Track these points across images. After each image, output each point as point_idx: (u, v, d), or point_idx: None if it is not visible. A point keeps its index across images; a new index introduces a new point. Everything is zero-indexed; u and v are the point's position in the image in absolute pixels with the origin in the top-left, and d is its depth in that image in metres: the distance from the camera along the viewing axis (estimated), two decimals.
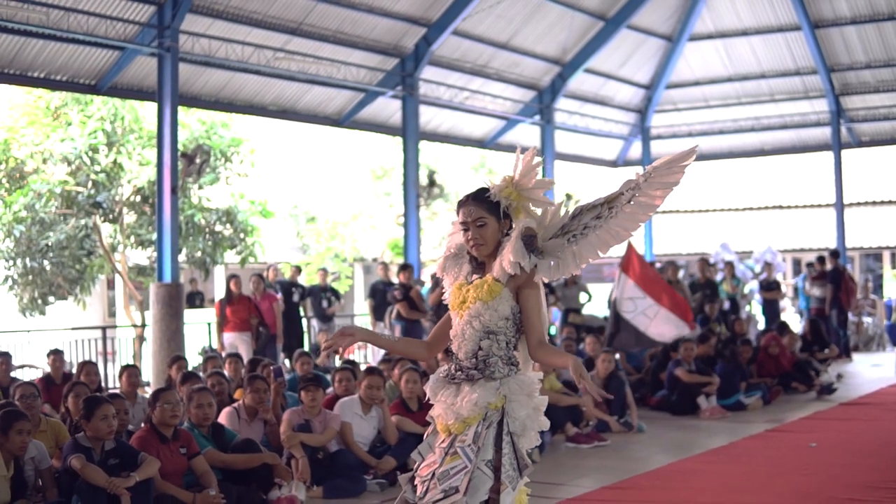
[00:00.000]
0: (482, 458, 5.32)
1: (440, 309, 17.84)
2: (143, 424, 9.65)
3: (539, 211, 5.63)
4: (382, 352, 18.46)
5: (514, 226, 5.53)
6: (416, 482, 5.49)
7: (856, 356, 24.49)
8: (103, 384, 18.04)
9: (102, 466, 8.31)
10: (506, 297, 5.47)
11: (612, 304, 16.82)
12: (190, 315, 21.69)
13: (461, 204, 5.62)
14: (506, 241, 5.50)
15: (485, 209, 5.53)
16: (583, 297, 21.75)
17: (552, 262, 5.52)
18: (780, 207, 38.97)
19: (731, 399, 15.89)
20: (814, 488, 9.95)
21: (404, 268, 20.01)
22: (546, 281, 5.64)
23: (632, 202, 5.50)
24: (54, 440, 9.54)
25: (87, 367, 12.73)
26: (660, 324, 16.43)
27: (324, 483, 10.17)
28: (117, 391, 12.39)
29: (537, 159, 5.60)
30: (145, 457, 8.55)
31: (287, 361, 18.75)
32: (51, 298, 23.71)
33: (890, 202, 37.41)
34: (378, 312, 20.90)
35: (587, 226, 5.54)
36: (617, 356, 15.91)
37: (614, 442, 13.14)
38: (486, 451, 5.33)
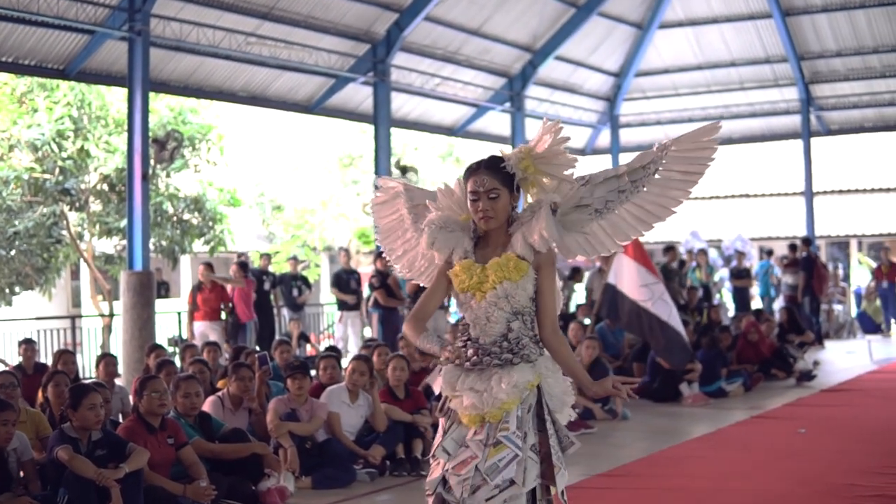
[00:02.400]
0: (528, 444, 5.08)
1: (418, 296, 17.57)
2: (128, 414, 9.39)
3: (553, 186, 5.31)
4: (365, 337, 18.46)
5: (524, 200, 5.33)
6: (451, 482, 5.11)
7: (827, 343, 24.47)
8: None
9: (90, 458, 8.03)
10: (531, 275, 5.20)
11: (612, 289, 16.22)
12: (162, 305, 21.46)
13: (472, 171, 5.28)
14: (520, 216, 5.27)
15: (498, 180, 5.21)
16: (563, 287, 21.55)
17: (580, 239, 5.33)
18: (748, 196, 38.92)
19: (713, 386, 15.80)
20: (812, 474, 9.82)
21: (381, 255, 19.71)
22: (579, 259, 5.56)
23: (657, 176, 5.30)
24: (34, 431, 9.23)
25: (65, 355, 12.42)
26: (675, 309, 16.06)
27: (313, 473, 9.94)
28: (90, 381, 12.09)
29: (563, 132, 5.27)
30: (134, 447, 8.28)
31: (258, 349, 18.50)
32: (17, 288, 23.35)
33: (856, 191, 37.42)
34: (344, 304, 20.54)
35: (609, 200, 5.33)
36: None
37: (600, 429, 12.97)
38: (531, 435, 5.10)
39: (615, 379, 5.28)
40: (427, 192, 5.76)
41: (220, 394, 10.59)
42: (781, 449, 11.30)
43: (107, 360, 12.32)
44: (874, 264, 28.95)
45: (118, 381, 13.22)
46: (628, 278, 15.71)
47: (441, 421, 5.35)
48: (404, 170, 27.90)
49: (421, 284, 5.80)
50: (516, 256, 5.19)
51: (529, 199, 5.39)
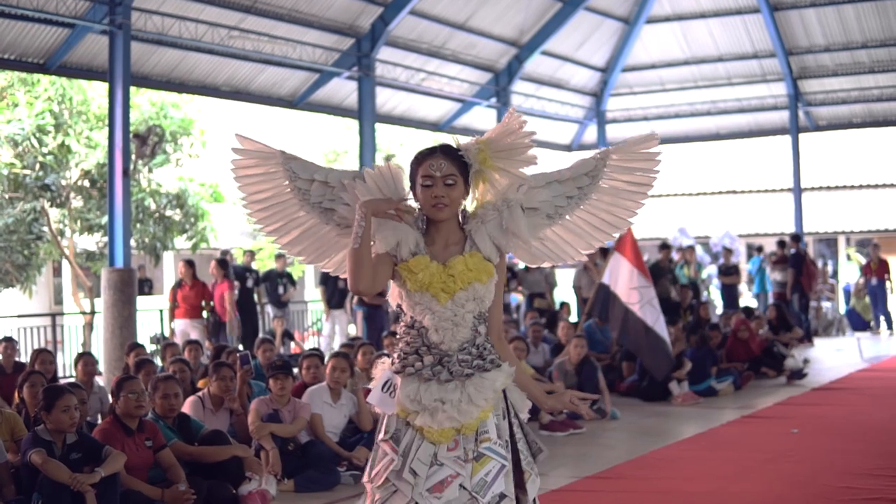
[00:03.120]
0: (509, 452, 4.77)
1: None
2: (104, 416, 9.11)
3: (504, 184, 4.97)
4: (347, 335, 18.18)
5: (473, 197, 4.97)
6: None
7: (817, 341, 24.24)
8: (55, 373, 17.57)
9: (64, 461, 7.77)
10: (494, 278, 4.87)
11: (605, 290, 15.98)
12: (139, 302, 21.15)
13: (426, 155, 4.84)
14: (479, 214, 4.90)
15: (456, 168, 4.80)
16: (544, 282, 21.34)
17: (541, 245, 5.13)
18: (736, 192, 38.73)
19: (703, 385, 15.56)
20: (806, 476, 9.60)
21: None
22: (533, 266, 5.24)
23: (603, 184, 5.15)
24: (9, 433, 8.95)
25: (42, 355, 12.07)
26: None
27: (295, 476, 9.67)
28: (70, 380, 11.81)
29: (524, 121, 4.92)
30: (110, 450, 8.01)
31: (241, 348, 18.24)
32: None
33: (845, 187, 37.26)
34: (332, 301, 20.32)
35: (558, 205, 5.10)
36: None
37: (589, 429, 12.71)
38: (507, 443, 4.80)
39: (572, 393, 4.91)
40: (313, 164, 5.16)
41: (200, 394, 10.35)
42: (774, 450, 11.05)
43: (85, 359, 12.03)
44: (864, 261, 28.75)
45: (98, 381, 12.96)
46: (622, 279, 15.45)
47: (386, 445, 4.74)
48: None
49: (332, 273, 5.30)
50: (482, 256, 4.87)
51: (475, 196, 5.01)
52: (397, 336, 4.97)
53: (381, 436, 4.78)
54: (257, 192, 5.16)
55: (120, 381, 8.66)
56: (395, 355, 4.86)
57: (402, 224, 4.87)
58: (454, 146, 4.90)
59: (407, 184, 4.95)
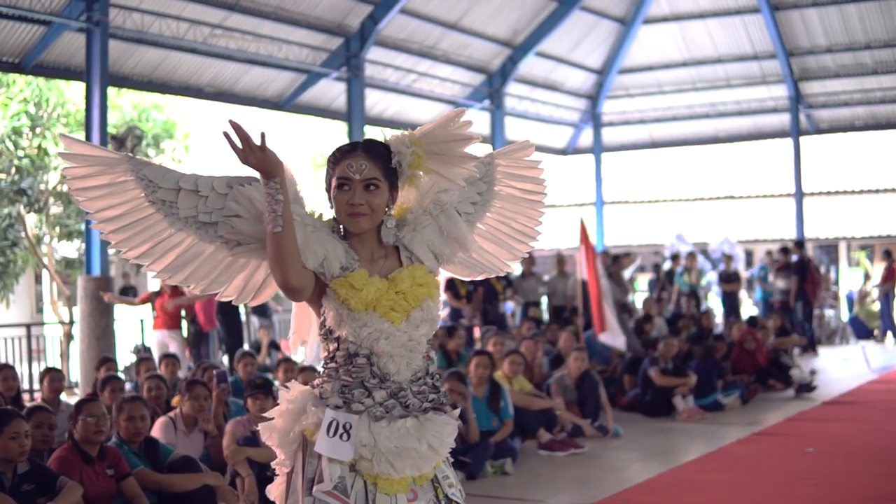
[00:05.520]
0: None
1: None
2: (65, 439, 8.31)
3: (427, 186, 4.32)
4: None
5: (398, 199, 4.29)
6: None
7: (821, 350, 23.51)
8: (29, 386, 16.81)
9: (14, 494, 7.00)
10: (440, 295, 4.24)
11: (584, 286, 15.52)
12: (122, 311, 20.40)
13: (345, 153, 4.12)
14: (404, 220, 4.24)
15: (380, 170, 4.09)
16: (541, 289, 20.65)
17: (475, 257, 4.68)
18: (735, 197, 38.00)
19: (709, 399, 14.79)
20: (828, 502, 8.84)
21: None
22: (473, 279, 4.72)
23: (498, 190, 4.73)
24: None
25: (4, 371, 11.24)
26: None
27: None
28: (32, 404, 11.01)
29: (463, 110, 4.24)
30: (65, 481, 7.23)
31: (225, 360, 17.49)
32: None
33: (847, 192, 36.51)
34: None
35: (466, 212, 4.56)
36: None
37: (590, 448, 11.96)
38: None
39: None
40: (171, 170, 4.23)
41: (172, 414, 9.56)
42: (789, 472, 10.32)
43: (51, 374, 11.17)
44: (871, 266, 28.06)
45: (67, 399, 12.18)
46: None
47: (332, 497, 3.93)
48: None
49: (235, 301, 4.37)
50: (427, 270, 4.19)
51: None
52: (325, 364, 4.17)
53: (320, 486, 3.97)
54: (106, 207, 4.14)
55: (79, 404, 7.90)
56: (325, 387, 4.10)
57: (322, 232, 4.11)
58: (378, 142, 4.18)
59: (301, 188, 4.24)
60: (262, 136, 3.82)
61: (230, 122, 3.82)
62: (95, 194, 4.11)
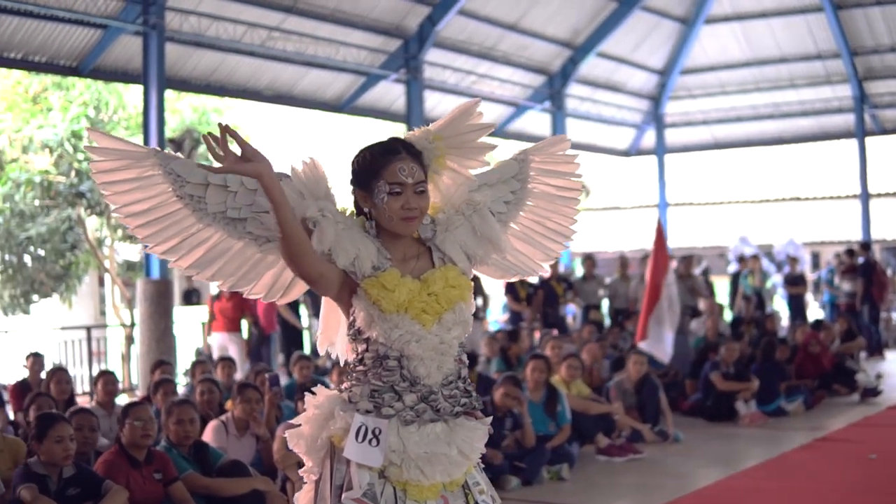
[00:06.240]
0: None
1: None
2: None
3: (448, 184, 4.25)
4: None
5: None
6: None
7: (888, 354, 23.10)
8: (90, 389, 16.84)
9: (60, 498, 6.94)
10: (472, 298, 4.12)
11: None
12: (185, 313, 20.45)
13: (389, 154, 4.00)
14: (436, 220, 4.14)
15: (424, 172, 4.02)
16: (601, 291, 20.40)
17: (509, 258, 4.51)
18: (800, 199, 37.57)
19: (772, 405, 14.48)
20: None
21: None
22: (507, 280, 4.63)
23: (533, 188, 4.56)
24: (12, 461, 8.08)
25: (58, 374, 11.24)
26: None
27: None
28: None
29: (478, 101, 4.20)
30: (110, 485, 7.16)
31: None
32: (34, 297, 22.46)
33: None
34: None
35: (499, 211, 4.42)
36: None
37: (650, 453, 11.73)
38: None
39: None
40: (200, 164, 4.10)
41: (224, 417, 9.46)
42: (851, 479, 10.08)
43: (105, 377, 11.10)
44: None
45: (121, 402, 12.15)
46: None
47: (358, 503, 3.83)
48: None
49: (265, 300, 4.29)
50: (460, 271, 4.08)
51: None
52: (352, 367, 4.05)
53: (349, 493, 3.85)
54: (133, 201, 4.05)
55: (126, 408, 7.83)
56: (354, 391, 3.98)
57: (355, 230, 3.99)
58: (406, 141, 4.08)
59: (331, 182, 4.12)
60: (223, 127, 3.69)
61: (219, 125, 3.71)
62: (122, 188, 4.03)
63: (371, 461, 3.84)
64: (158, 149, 4.08)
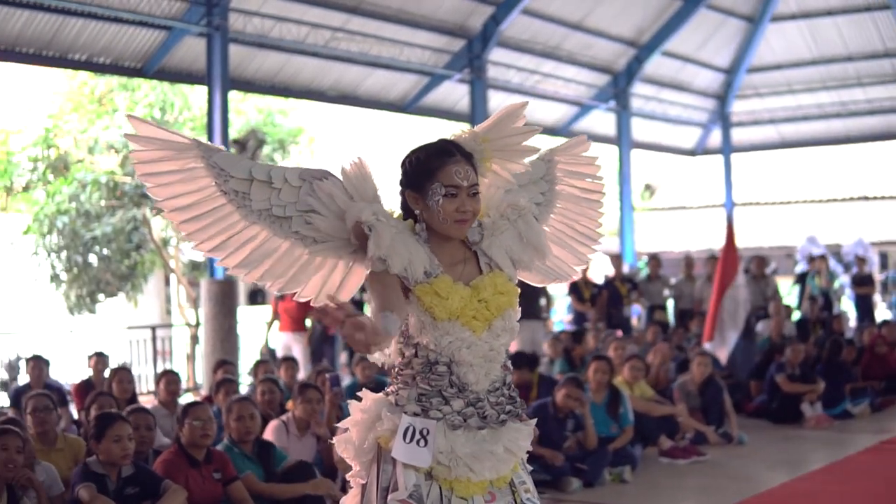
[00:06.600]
0: None
1: None
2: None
3: (485, 185, 4.17)
4: None
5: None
6: None
7: None
8: (151, 388, 16.95)
9: (118, 497, 6.95)
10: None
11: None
12: (251, 313, 20.51)
13: (444, 157, 3.96)
14: (481, 224, 4.07)
15: (476, 174, 3.98)
16: (666, 292, 20.25)
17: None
18: (868, 198, 37.16)
19: (838, 407, 14.28)
20: None
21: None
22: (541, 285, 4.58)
23: (560, 190, 4.55)
24: (73, 460, 8.11)
25: (120, 373, 11.28)
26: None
27: None
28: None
29: (525, 103, 4.23)
30: (169, 485, 7.17)
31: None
32: (100, 296, 22.63)
33: None
34: None
35: (534, 215, 4.29)
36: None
37: (713, 456, 11.59)
38: None
39: None
40: (243, 158, 4.17)
41: (284, 417, 9.45)
42: None
43: (167, 377, 11.13)
44: None
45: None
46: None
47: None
48: None
49: (315, 302, 4.19)
50: (507, 277, 4.03)
51: None
52: (400, 370, 4.00)
53: (395, 494, 3.84)
54: (176, 195, 4.00)
55: (186, 407, 7.84)
56: (401, 394, 3.95)
57: (409, 237, 3.94)
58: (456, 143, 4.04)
59: (377, 182, 4.06)
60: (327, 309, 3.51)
61: (318, 309, 3.59)
62: (164, 180, 3.99)
63: (419, 461, 3.82)
64: (200, 140, 4.03)
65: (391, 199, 4.16)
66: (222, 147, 4.06)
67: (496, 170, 4.17)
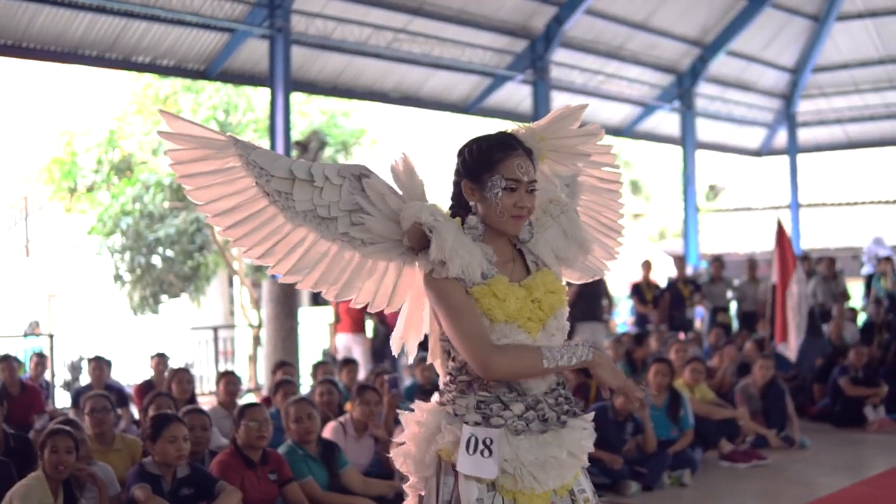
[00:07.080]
0: None
1: None
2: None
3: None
4: None
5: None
6: None
7: None
8: (213, 389, 17.03)
9: (173, 498, 6.99)
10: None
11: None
12: (312, 314, 20.55)
13: (507, 150, 3.83)
14: (533, 221, 3.97)
15: (535, 171, 3.86)
16: (730, 294, 20.07)
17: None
18: None
19: None
20: None
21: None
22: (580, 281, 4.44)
23: (581, 181, 4.44)
24: (130, 461, 8.18)
25: (179, 374, 11.33)
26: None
27: None
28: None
29: (585, 105, 4.17)
30: (224, 486, 7.19)
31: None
32: (163, 297, 22.79)
33: None
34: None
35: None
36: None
37: (774, 460, 11.50)
38: None
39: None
40: (280, 155, 3.98)
41: (342, 418, 9.47)
42: None
43: (227, 378, 11.15)
44: None
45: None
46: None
47: None
48: None
49: (372, 309, 4.12)
50: (555, 276, 3.93)
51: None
52: (453, 377, 3.87)
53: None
54: (217, 198, 3.86)
55: (242, 409, 7.87)
56: (458, 403, 3.82)
57: (464, 235, 3.81)
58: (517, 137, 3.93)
59: (421, 179, 3.96)
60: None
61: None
62: (204, 182, 3.87)
63: (486, 473, 3.70)
64: (236, 136, 3.90)
65: (436, 196, 4.06)
66: (259, 145, 3.93)
67: (544, 170, 4.12)
